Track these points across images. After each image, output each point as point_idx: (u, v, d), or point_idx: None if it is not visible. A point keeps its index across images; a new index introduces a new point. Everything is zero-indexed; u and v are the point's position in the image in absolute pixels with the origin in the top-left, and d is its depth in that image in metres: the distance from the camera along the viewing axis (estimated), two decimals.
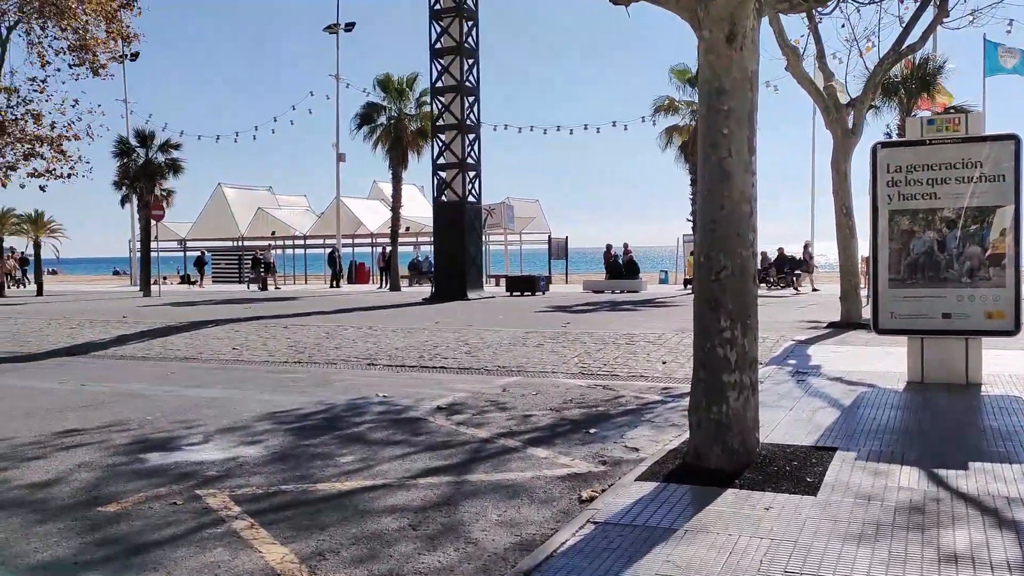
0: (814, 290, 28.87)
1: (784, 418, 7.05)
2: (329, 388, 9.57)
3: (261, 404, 8.56)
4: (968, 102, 23.00)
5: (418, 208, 43.79)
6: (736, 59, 5.56)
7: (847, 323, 14.87)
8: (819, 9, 13.76)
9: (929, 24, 15.33)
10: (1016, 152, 8.16)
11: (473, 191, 27.53)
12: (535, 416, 7.81)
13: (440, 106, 27.49)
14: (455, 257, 26.72)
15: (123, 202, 36.81)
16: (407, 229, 40.94)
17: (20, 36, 25.72)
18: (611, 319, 17.97)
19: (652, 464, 5.58)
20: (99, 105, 28.87)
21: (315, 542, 4.40)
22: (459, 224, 26.83)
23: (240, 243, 50.83)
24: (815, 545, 4.00)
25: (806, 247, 31.37)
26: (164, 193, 35.95)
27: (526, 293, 28.91)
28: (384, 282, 37.61)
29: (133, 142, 32.80)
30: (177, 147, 33.63)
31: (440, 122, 27.61)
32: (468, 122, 27.21)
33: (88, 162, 25.44)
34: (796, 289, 29.37)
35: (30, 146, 24.49)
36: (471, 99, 27.25)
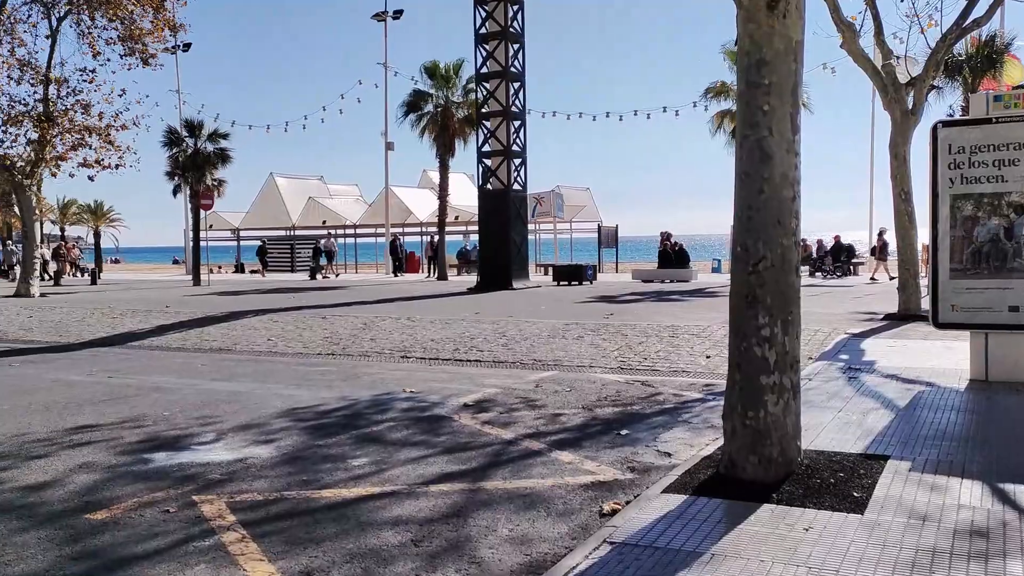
0: (891, 279, 27.70)
1: (831, 421, 6.50)
2: (356, 383, 9.27)
3: (283, 399, 8.28)
4: None
5: (467, 196, 43.47)
6: (778, 27, 5.02)
7: (905, 315, 14.08)
8: None
9: None
10: None
11: (519, 179, 27.08)
12: (565, 415, 7.38)
13: (485, 92, 27.07)
14: (500, 246, 26.34)
15: (175, 192, 37.21)
16: (456, 218, 40.76)
17: (71, 27, 26.03)
18: (657, 310, 17.40)
19: (682, 473, 5.11)
20: (147, 95, 29.39)
21: (306, 559, 4.05)
22: (504, 213, 26.41)
23: (292, 232, 51.21)
24: None
25: (881, 234, 29.72)
26: (215, 183, 36.28)
27: (573, 283, 28.40)
28: (432, 271, 37.45)
29: (182, 132, 33.04)
30: (225, 136, 33.85)
31: (485, 109, 27.19)
32: (513, 109, 26.74)
33: (136, 152, 25.68)
34: (873, 278, 27.88)
35: (79, 136, 24.78)
36: (516, 85, 26.76)
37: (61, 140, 24.51)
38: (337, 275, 39.07)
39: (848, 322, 13.79)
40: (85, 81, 25.16)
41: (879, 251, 28.45)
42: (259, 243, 51.79)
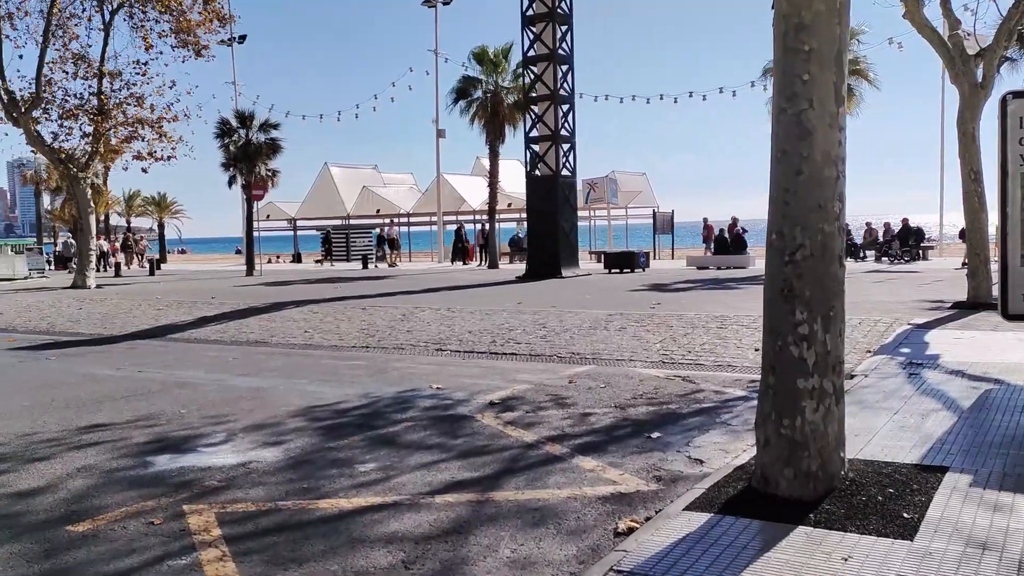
0: None
1: (885, 425, 5.91)
2: (383, 378, 8.94)
3: (304, 396, 7.98)
4: None
5: (519, 183, 42.76)
6: None
7: (975, 303, 13.18)
8: None
9: None
10: None
11: (567, 164, 26.47)
12: (595, 415, 6.91)
13: (532, 76, 26.49)
14: (548, 234, 25.78)
15: (230, 183, 37.51)
16: (509, 205, 40.28)
17: (124, 20, 26.28)
18: (708, 299, 16.73)
19: (710, 487, 4.61)
20: (197, 86, 29.43)
21: None
22: (552, 199, 25.83)
23: (347, 221, 51.42)
24: None
25: None
26: (268, 173, 36.49)
27: (624, 270, 27.75)
28: (484, 259, 37.11)
29: (234, 123, 33.21)
30: (276, 127, 33.93)
31: (532, 93, 26.62)
32: (561, 92, 26.10)
33: (188, 143, 25.86)
34: (965, 263, 26.45)
35: (133, 128, 25.04)
36: (564, 68, 26.12)
37: (114, 133, 24.79)
38: (397, 263, 39.10)
39: (912, 311, 12.98)
40: (138, 74, 25.42)
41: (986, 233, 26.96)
42: (318, 232, 52.26)
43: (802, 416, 4.34)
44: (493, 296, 18.65)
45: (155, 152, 25.02)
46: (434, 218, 44.35)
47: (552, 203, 25.78)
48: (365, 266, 37.56)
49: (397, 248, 41.58)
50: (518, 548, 4.05)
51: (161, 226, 66.20)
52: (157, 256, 51.72)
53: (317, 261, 46.53)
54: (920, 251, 30.22)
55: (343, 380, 8.87)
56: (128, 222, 66.52)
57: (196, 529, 4.37)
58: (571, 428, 6.48)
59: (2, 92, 24.42)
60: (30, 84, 24.24)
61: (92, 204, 25.95)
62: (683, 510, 4.25)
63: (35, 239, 52.82)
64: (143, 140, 24.98)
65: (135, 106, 25.11)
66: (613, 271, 27.82)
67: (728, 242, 30.86)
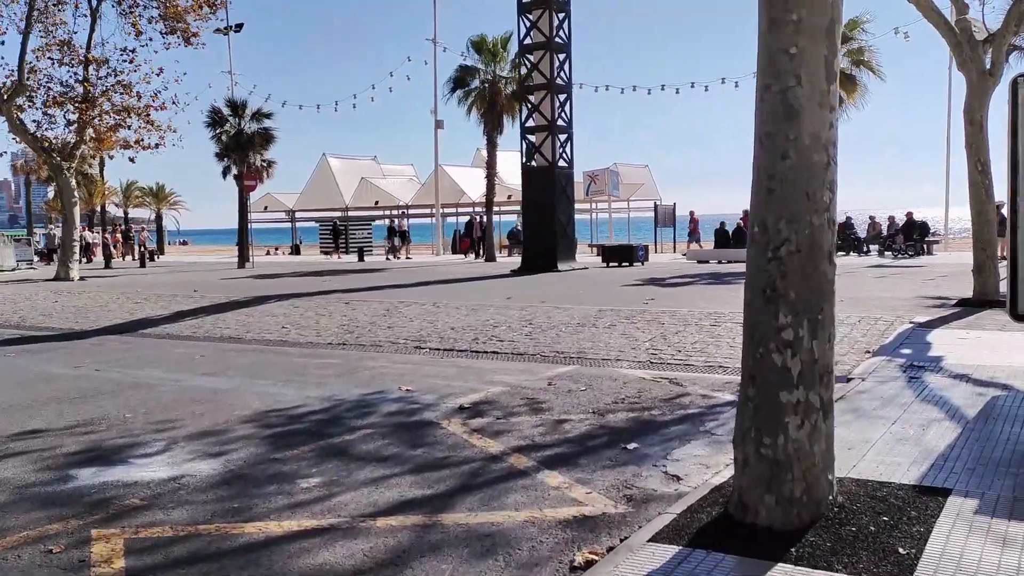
0: (1002, 258, 25.51)
1: (882, 436, 5.38)
2: (351, 379, 8.42)
3: (263, 399, 7.48)
4: None
5: (519, 175, 42.40)
6: None
7: (981, 300, 12.62)
8: None
9: None
10: None
11: (564, 155, 25.85)
12: (571, 421, 6.40)
13: (528, 65, 25.88)
14: (544, 226, 25.18)
15: (224, 173, 36.98)
16: (509, 197, 39.68)
17: (112, 6, 25.75)
18: (704, 294, 16.19)
19: (682, 512, 4.09)
20: (185, 73, 28.88)
21: None
22: (549, 191, 25.22)
23: (345, 213, 50.85)
24: None
25: (998, 208, 27.26)
26: (264, 164, 35.96)
27: (623, 264, 27.18)
28: (480, 252, 36.56)
29: (225, 112, 32.64)
30: (269, 116, 33.33)
31: (528, 82, 26.01)
32: (558, 81, 25.47)
33: (176, 131, 25.33)
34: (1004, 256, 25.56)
35: (120, 116, 24.51)
36: (561, 56, 25.48)
37: (100, 121, 24.25)
38: (410, 256, 38.48)
39: (915, 309, 12.42)
40: (125, 61, 24.87)
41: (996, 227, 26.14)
42: (316, 224, 51.68)
43: (785, 434, 3.82)
44: (484, 290, 18.11)
45: (142, 140, 24.50)
46: (432, 210, 43.78)
47: (548, 195, 25.19)
48: (361, 259, 37.03)
49: (407, 240, 40.92)
50: None
51: (159, 217, 65.70)
52: (154, 247, 51.30)
53: (325, 253, 45.88)
54: (925, 245, 29.61)
55: (309, 381, 8.36)
56: (126, 213, 66.00)
57: (97, 560, 3.87)
58: (542, 437, 5.97)
59: None
60: (12, 72, 23.73)
61: (76, 195, 25.41)
62: (648, 541, 3.73)
63: (28, 230, 52.36)
64: (129, 128, 24.45)
65: (122, 94, 24.57)
66: (611, 264, 27.26)
67: (729, 235, 30.29)
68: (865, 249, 31.42)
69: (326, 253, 45.66)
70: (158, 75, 24.69)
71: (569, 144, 25.98)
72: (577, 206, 36.86)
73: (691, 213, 37.36)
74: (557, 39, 25.21)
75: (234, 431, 6.32)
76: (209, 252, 59.22)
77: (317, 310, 14.33)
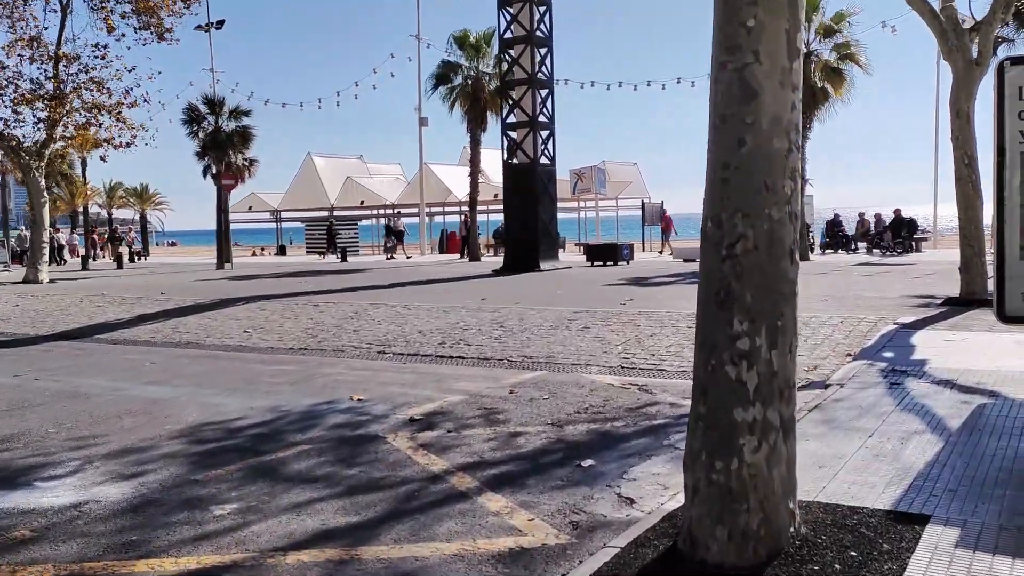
0: None
1: (857, 451, 4.93)
2: (305, 387, 7.94)
3: (203, 410, 6.99)
4: None
5: None
6: None
7: (968, 299, 12.18)
8: None
9: None
10: None
11: (546, 152, 25.33)
12: (526, 434, 5.93)
13: (509, 59, 25.36)
14: (526, 225, 24.64)
15: (204, 173, 36.39)
16: (495, 196, 39.14)
17: (83, 1, 25.12)
18: (685, 294, 15.70)
19: (627, 545, 3.62)
20: (159, 72, 28.19)
21: None
22: (530, 189, 24.69)
23: (330, 213, 50.23)
24: None
25: None
26: (246, 163, 35.39)
27: (608, 263, 26.71)
28: (464, 252, 36.05)
29: (202, 109, 32.02)
30: (247, 114, 32.72)
31: (509, 77, 25.48)
32: (540, 76, 24.96)
33: (147, 129, 24.73)
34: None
35: (91, 114, 23.90)
36: (543, 51, 24.96)
37: (70, 118, 23.63)
38: (406, 256, 37.92)
39: (900, 309, 11.99)
40: (97, 57, 24.24)
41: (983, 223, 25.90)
42: (303, 224, 50.96)
43: (739, 457, 3.36)
44: (460, 291, 17.63)
45: (114, 139, 23.88)
46: (417, 209, 43.21)
47: (530, 193, 24.67)
48: (344, 259, 36.48)
49: (401, 240, 40.32)
50: None
51: (143, 218, 64.90)
52: (139, 248, 50.54)
53: (319, 253, 45.15)
54: (913, 243, 29.26)
55: (258, 390, 7.87)
56: (109, 214, 65.21)
57: None
58: (492, 453, 5.50)
59: None
60: None
61: (45, 195, 24.74)
62: None
63: (3, 232, 51.51)
64: (100, 126, 23.81)
65: (96, 91, 23.95)
66: (596, 264, 26.78)
67: None
68: (853, 247, 31.08)
69: (319, 253, 44.97)
70: (130, 72, 24.08)
71: (551, 141, 25.48)
72: (564, 205, 36.43)
73: (663, 212, 36.91)
74: (538, 33, 24.71)
75: (159, 448, 5.82)
76: (195, 253, 58.52)
77: (284, 313, 13.82)
